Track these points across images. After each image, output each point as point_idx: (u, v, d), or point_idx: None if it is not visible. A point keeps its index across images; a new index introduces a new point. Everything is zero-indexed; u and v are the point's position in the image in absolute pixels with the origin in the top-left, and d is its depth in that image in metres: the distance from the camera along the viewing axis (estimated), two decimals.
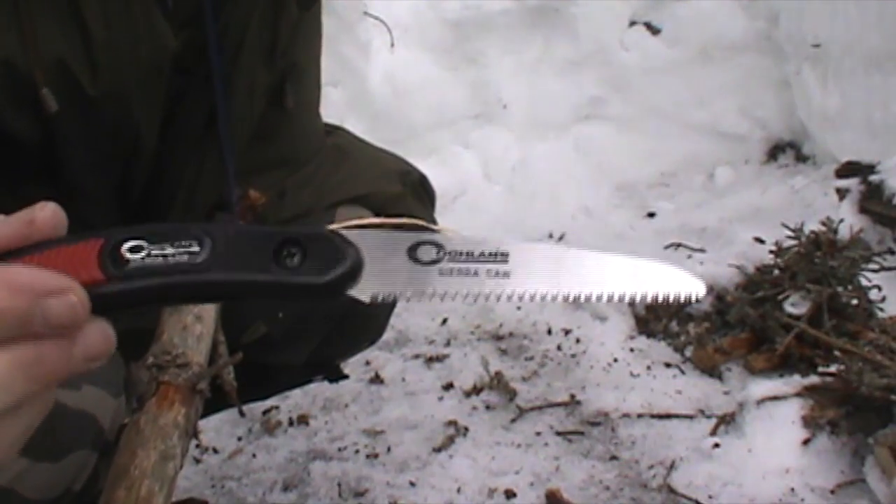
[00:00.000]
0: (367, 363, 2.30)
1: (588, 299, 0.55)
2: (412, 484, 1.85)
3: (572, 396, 2.14)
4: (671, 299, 0.56)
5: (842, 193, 2.62)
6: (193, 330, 1.13)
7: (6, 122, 1.09)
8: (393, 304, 1.56)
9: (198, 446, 1.91)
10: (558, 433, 2.01)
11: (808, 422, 1.80)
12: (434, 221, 1.53)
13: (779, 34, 3.48)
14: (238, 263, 0.52)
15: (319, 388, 2.12)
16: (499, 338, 2.45)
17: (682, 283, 0.56)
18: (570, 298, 0.55)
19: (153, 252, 0.52)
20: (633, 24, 3.71)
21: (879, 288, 2.18)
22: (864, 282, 2.18)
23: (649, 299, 0.55)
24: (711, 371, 2.20)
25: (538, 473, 1.87)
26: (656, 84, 3.61)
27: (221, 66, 1.20)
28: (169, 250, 0.52)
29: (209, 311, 1.17)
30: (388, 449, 1.97)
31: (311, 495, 1.84)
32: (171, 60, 1.16)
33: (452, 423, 2.04)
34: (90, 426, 1.05)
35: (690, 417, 2.03)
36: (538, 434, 2.01)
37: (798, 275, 2.18)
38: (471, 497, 1.81)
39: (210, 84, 1.21)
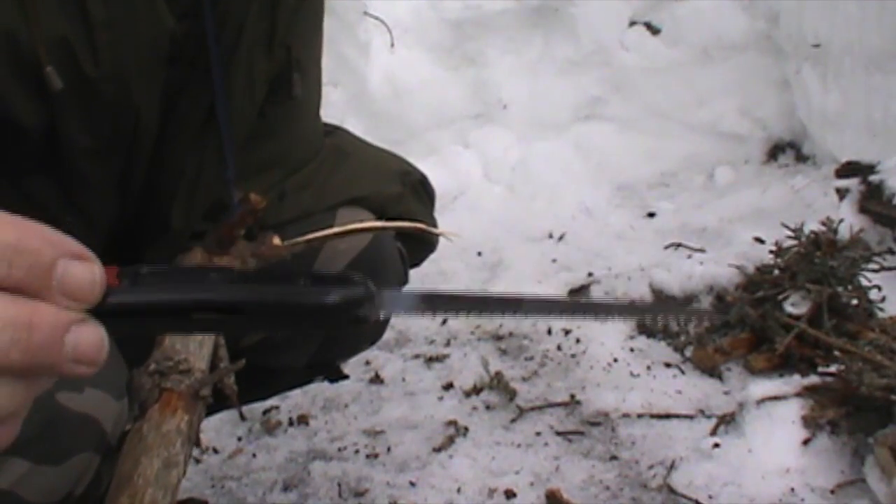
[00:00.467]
0: (367, 363, 2.31)
1: None
2: (412, 484, 1.85)
3: (572, 396, 2.14)
4: None
5: (842, 193, 2.63)
6: (195, 335, 1.12)
7: (10, 102, 1.07)
8: None
9: (198, 446, 1.90)
10: (558, 433, 2.01)
11: (808, 422, 1.80)
12: (434, 222, 1.54)
13: (779, 34, 3.48)
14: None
15: (319, 388, 2.13)
16: (499, 338, 2.45)
17: None
18: None
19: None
20: (633, 24, 3.71)
21: (879, 288, 2.17)
22: (864, 282, 2.18)
23: None
24: (711, 371, 2.20)
25: (538, 473, 1.87)
26: (656, 84, 3.61)
27: (220, 55, 1.19)
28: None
29: None
30: (388, 449, 1.97)
31: (311, 495, 1.84)
32: (169, 41, 1.15)
33: (452, 423, 2.05)
34: (92, 429, 1.05)
35: (690, 417, 2.02)
36: (538, 434, 2.01)
37: (798, 275, 2.18)
38: (471, 497, 1.81)
39: (209, 76, 1.20)
